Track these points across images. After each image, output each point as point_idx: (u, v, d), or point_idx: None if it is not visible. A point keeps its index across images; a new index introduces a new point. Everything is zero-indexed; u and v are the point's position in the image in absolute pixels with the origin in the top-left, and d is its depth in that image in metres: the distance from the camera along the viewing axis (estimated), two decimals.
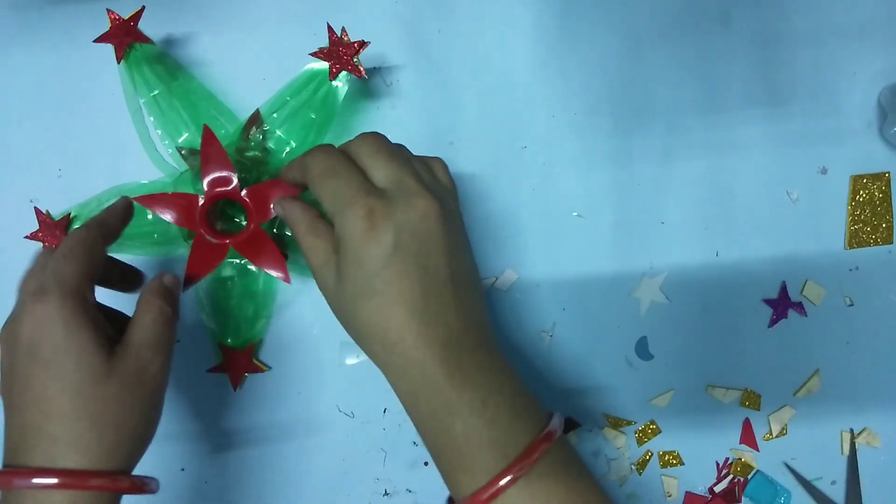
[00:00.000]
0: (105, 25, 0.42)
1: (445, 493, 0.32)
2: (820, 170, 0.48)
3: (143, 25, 0.43)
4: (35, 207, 0.45)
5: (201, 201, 0.40)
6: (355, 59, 0.42)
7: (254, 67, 0.47)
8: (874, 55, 0.48)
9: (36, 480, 0.30)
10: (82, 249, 0.34)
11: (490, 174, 0.47)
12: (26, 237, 0.45)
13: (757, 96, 0.48)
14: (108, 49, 0.42)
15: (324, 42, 0.42)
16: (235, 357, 0.46)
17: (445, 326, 0.31)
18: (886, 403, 0.49)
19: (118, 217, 0.38)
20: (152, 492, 0.34)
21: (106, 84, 0.46)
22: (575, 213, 0.48)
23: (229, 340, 0.46)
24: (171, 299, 0.36)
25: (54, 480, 0.30)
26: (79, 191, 0.45)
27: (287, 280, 0.40)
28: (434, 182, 0.34)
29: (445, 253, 0.32)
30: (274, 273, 0.40)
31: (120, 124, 0.45)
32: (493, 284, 0.48)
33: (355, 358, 0.47)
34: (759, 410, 0.48)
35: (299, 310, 0.47)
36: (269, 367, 0.47)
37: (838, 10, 0.48)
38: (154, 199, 0.41)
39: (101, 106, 0.46)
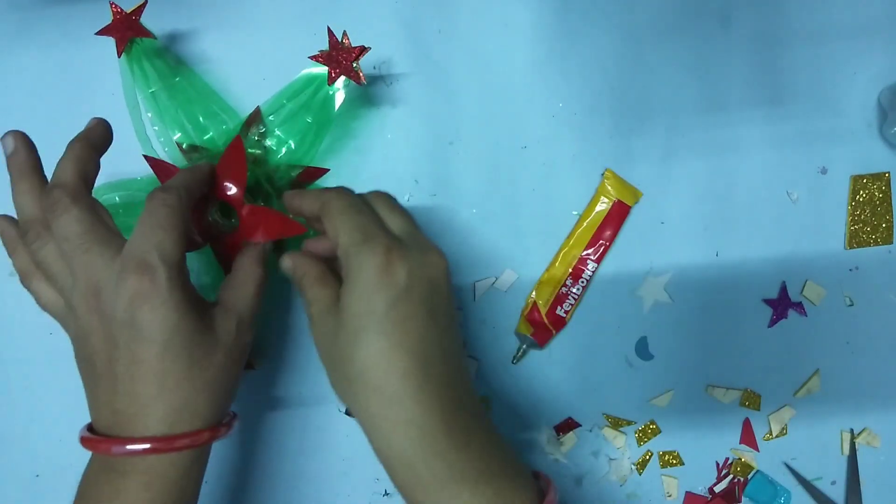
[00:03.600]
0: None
1: None
2: (820, 170, 0.48)
3: (146, 21, 0.43)
4: None
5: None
6: (355, 65, 0.42)
7: (254, 66, 0.46)
8: (874, 55, 0.48)
9: (130, 447, 0.31)
10: (178, 220, 0.33)
11: (490, 174, 0.47)
12: None
13: (757, 96, 0.48)
14: (108, 48, 0.42)
15: (324, 43, 0.42)
16: None
17: (448, 384, 0.31)
18: (886, 403, 0.49)
19: (203, 183, 0.38)
20: (228, 433, 0.35)
21: (105, 84, 0.46)
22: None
23: None
24: (266, 266, 0.37)
25: (147, 446, 0.31)
26: None
27: (304, 229, 0.38)
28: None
29: (450, 308, 0.33)
30: (282, 236, 0.39)
31: (119, 124, 0.44)
32: (493, 284, 0.47)
33: None
34: (759, 410, 0.48)
35: (300, 309, 0.47)
36: (256, 367, 0.47)
37: (838, 10, 0.48)
38: (165, 169, 0.41)
39: (101, 106, 0.46)
